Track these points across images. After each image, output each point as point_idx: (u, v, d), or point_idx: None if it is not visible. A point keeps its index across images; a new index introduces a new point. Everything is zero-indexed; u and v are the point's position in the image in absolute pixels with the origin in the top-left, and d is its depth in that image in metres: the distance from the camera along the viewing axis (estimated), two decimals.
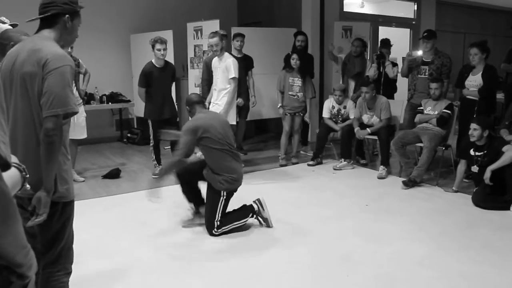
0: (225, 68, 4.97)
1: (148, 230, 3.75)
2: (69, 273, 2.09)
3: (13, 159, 1.29)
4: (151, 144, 5.43)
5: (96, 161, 6.32)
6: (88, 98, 7.36)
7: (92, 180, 5.31)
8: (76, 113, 1.89)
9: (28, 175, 1.32)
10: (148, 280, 2.91)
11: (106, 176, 5.41)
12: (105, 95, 7.48)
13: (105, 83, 7.58)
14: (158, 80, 5.23)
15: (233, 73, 4.92)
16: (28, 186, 1.32)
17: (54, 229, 1.96)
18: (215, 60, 5.21)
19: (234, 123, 5.13)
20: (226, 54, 5.12)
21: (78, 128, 5.17)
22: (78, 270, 3.00)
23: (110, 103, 7.50)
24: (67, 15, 1.92)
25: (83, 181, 5.24)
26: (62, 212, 1.96)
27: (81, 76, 5.53)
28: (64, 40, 1.99)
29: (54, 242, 1.99)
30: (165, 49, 5.17)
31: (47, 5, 1.90)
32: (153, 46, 5.16)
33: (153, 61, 5.25)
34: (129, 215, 4.11)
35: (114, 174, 5.44)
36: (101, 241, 3.53)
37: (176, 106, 5.71)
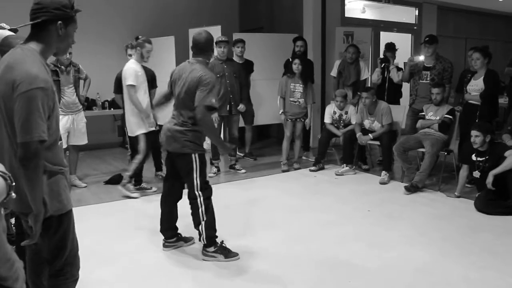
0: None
1: (150, 235, 3.74)
2: (76, 279, 2.08)
3: None
4: (128, 153, 5.33)
5: (98, 167, 6.33)
6: (90, 104, 7.38)
7: (94, 186, 5.32)
8: (44, 141, 1.72)
9: (14, 183, 1.27)
10: (150, 285, 2.91)
11: (108, 182, 5.42)
12: (107, 101, 7.50)
13: (107, 89, 7.56)
14: None
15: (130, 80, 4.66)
16: (14, 194, 1.26)
17: (54, 240, 1.93)
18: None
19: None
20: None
21: (78, 134, 5.18)
22: (80, 276, 3.01)
23: (112, 109, 7.51)
24: (59, 22, 1.78)
25: (85, 186, 5.25)
26: (58, 224, 1.91)
27: (81, 82, 5.48)
28: (57, 48, 1.87)
29: (59, 252, 1.96)
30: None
31: (37, 11, 1.76)
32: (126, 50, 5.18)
33: None
34: (131, 221, 4.12)
35: (116, 180, 5.44)
36: (103, 246, 3.53)
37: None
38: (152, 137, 4.81)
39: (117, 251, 3.45)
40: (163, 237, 3.47)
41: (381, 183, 5.26)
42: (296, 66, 5.75)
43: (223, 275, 3.04)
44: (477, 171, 4.39)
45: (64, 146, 4.97)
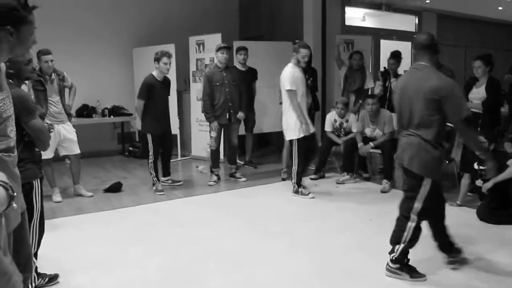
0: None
1: (149, 243, 3.71)
2: None
3: (0, 176, 1.24)
4: (150, 160, 5.26)
5: (97, 175, 6.29)
6: (90, 111, 7.36)
7: (94, 194, 5.27)
8: None
9: (15, 194, 1.25)
10: None
11: (107, 190, 5.39)
12: (107, 108, 7.49)
13: (107, 97, 7.59)
14: (159, 94, 5.22)
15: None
16: (15, 205, 1.24)
17: None
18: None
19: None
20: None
21: (69, 144, 4.99)
22: (81, 284, 2.98)
23: (112, 116, 7.51)
24: (8, 26, 1.59)
25: (92, 196, 5.16)
26: None
27: (67, 91, 5.14)
28: (15, 52, 1.68)
29: None
30: (170, 64, 5.19)
31: None
32: (158, 60, 5.09)
33: (154, 74, 5.20)
34: (130, 229, 4.08)
35: (115, 188, 5.41)
36: (103, 255, 3.49)
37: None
38: (308, 142, 5.00)
39: (116, 259, 3.41)
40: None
41: (382, 192, 5.24)
42: None
43: (224, 286, 3.00)
44: (479, 180, 4.36)
45: (51, 155, 4.77)
